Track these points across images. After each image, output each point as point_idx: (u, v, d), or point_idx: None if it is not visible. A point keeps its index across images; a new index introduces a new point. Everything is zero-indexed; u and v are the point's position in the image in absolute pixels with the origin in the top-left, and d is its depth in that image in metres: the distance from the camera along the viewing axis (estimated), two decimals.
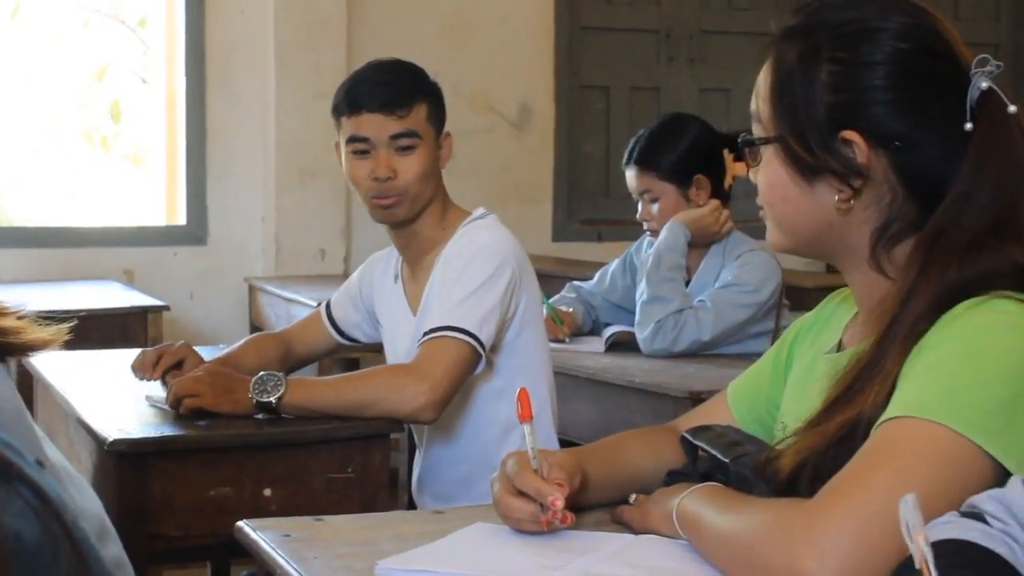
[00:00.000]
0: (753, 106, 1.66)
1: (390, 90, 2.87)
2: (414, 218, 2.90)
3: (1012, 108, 1.54)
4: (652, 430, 1.98)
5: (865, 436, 1.44)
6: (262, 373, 2.66)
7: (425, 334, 2.73)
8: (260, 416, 2.62)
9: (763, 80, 1.64)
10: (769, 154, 1.64)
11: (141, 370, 2.86)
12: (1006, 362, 1.41)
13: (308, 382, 2.71)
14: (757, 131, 1.65)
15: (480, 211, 2.96)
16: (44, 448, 1.53)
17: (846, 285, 1.73)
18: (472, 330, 2.72)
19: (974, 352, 1.43)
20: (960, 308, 1.47)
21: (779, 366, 1.86)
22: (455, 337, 2.70)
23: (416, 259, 2.97)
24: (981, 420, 1.38)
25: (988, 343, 1.43)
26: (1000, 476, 1.38)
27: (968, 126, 1.54)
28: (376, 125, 2.85)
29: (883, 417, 1.43)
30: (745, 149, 1.68)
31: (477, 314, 2.74)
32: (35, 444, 1.32)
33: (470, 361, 2.72)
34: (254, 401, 2.61)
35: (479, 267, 2.79)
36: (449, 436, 2.93)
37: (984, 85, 1.55)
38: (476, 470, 2.82)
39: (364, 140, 2.85)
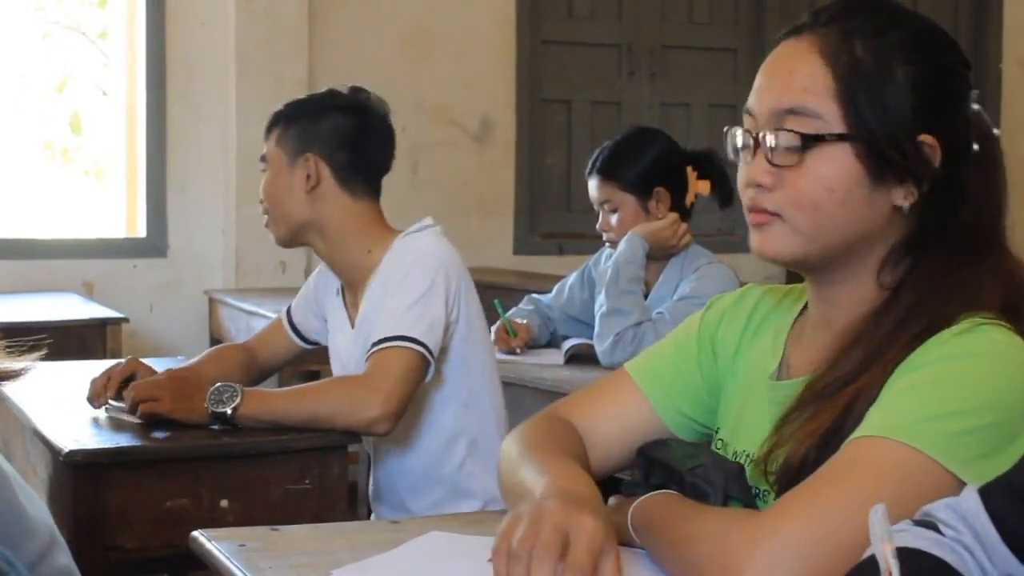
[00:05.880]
0: (793, 101, 1.55)
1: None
2: (291, 241, 2.96)
3: (996, 131, 1.54)
4: (563, 424, 1.85)
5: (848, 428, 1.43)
6: (219, 384, 2.66)
7: (374, 344, 2.72)
8: (215, 427, 2.62)
9: (815, 73, 1.55)
10: (831, 154, 1.53)
11: (95, 398, 2.81)
12: (989, 391, 1.39)
13: (264, 394, 2.71)
14: (809, 127, 1.54)
15: (418, 224, 2.94)
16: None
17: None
18: (420, 338, 2.72)
19: (958, 378, 1.41)
20: (949, 333, 1.45)
21: (704, 349, 1.81)
22: (404, 346, 2.70)
23: (350, 282, 2.98)
24: (958, 447, 1.36)
25: (973, 371, 1.41)
26: None
27: (976, 147, 1.54)
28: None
29: (856, 433, 1.41)
30: (769, 146, 1.55)
31: (423, 322, 2.74)
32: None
33: (420, 369, 2.72)
34: (209, 411, 2.61)
35: (419, 275, 2.78)
36: (397, 447, 2.92)
37: (976, 107, 1.55)
38: (424, 479, 2.84)
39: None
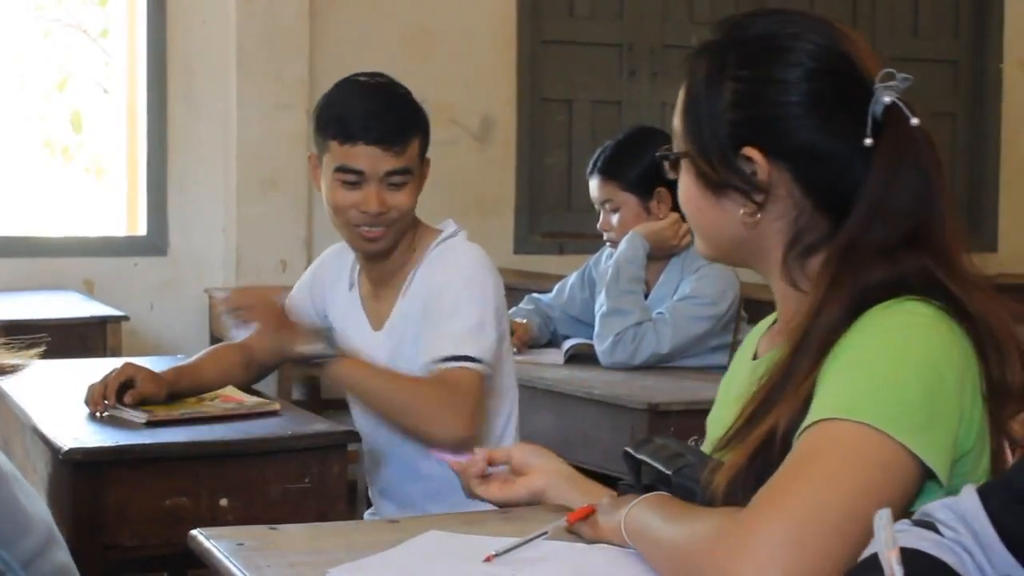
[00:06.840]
0: (674, 119, 1.69)
1: (387, 124, 2.81)
2: (392, 248, 2.88)
3: (915, 121, 1.55)
4: None
5: (783, 446, 1.46)
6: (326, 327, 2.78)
7: (444, 359, 2.71)
8: (309, 359, 2.71)
9: (680, 95, 1.67)
10: (682, 169, 1.67)
11: (94, 405, 2.76)
12: (921, 361, 1.44)
13: (365, 364, 2.74)
14: (675, 145, 1.69)
15: (450, 228, 2.93)
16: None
17: None
18: (482, 357, 2.73)
19: (890, 352, 1.45)
20: (874, 311, 1.49)
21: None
22: (474, 369, 2.71)
23: (382, 280, 2.94)
24: (903, 418, 1.40)
25: (903, 343, 1.45)
26: (923, 475, 1.41)
27: (868, 141, 1.55)
28: (372, 159, 2.78)
29: (807, 421, 1.44)
30: (664, 163, 1.70)
31: (486, 340, 2.75)
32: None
33: (484, 391, 2.75)
34: (311, 349, 2.68)
35: (479, 292, 2.79)
36: (415, 451, 2.85)
37: (887, 100, 1.55)
38: (448, 484, 2.80)
39: (358, 172, 2.79)
